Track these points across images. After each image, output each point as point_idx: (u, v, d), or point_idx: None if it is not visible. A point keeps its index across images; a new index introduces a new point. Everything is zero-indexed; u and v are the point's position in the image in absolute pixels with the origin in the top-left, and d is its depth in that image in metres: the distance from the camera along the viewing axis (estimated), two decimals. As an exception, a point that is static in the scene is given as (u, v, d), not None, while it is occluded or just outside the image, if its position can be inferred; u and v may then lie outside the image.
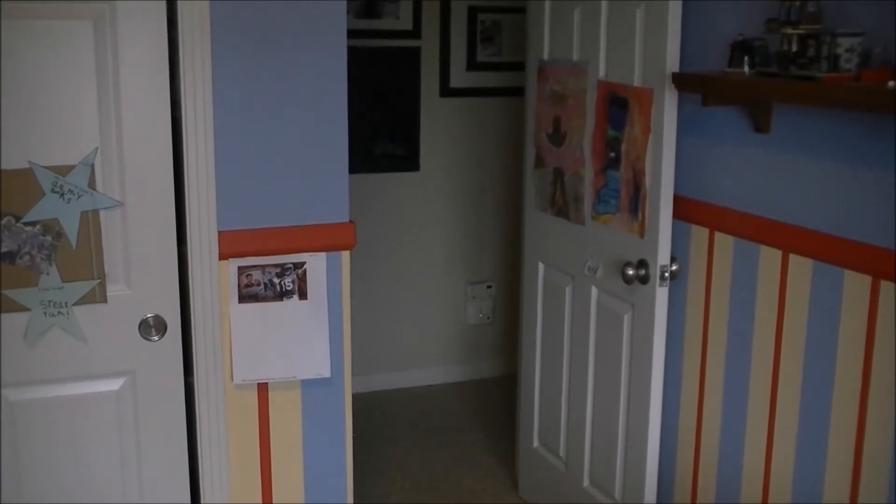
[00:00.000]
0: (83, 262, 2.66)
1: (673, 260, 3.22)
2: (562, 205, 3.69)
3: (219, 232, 2.81)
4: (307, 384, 3.01)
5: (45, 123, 2.58)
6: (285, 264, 2.89)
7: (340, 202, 2.94)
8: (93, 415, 2.78)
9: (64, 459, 2.78)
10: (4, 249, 2.59)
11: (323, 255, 2.92)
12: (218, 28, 2.70)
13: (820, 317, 2.74)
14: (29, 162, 2.57)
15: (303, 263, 2.90)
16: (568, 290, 3.73)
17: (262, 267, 2.87)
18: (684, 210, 3.19)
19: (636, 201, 3.23)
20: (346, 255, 2.96)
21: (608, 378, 3.51)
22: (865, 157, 2.56)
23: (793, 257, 2.81)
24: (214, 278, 2.82)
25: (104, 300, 2.71)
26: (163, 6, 2.64)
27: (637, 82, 3.19)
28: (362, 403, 5.20)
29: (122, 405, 2.81)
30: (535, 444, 4.09)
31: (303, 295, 2.91)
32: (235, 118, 2.78)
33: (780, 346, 2.88)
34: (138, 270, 2.73)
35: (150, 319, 2.77)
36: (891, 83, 2.26)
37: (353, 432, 3.14)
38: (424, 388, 5.58)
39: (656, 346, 3.25)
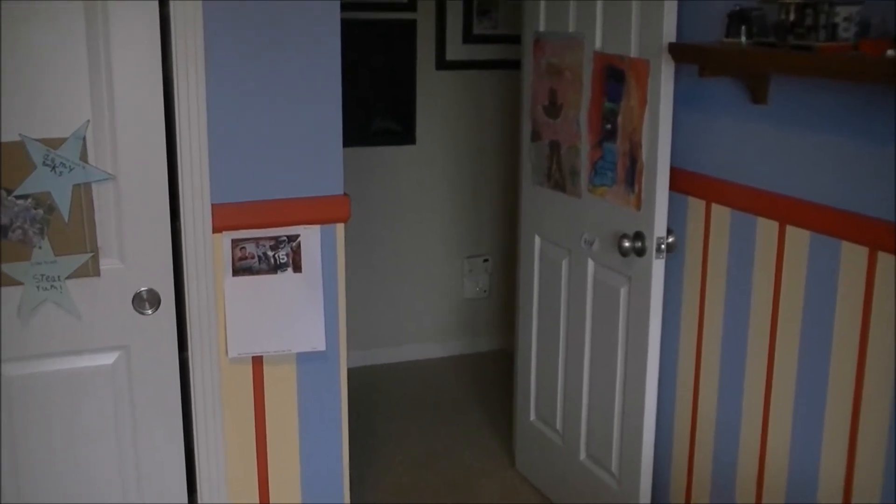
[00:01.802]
0: (76, 235, 2.64)
1: (669, 232, 3.20)
2: (558, 178, 3.67)
3: (212, 205, 2.79)
4: (302, 358, 3.00)
5: (36, 96, 2.55)
6: (279, 237, 2.87)
7: (335, 175, 2.92)
8: (87, 389, 2.78)
9: (58, 435, 2.77)
10: (-4, 223, 2.57)
11: (317, 227, 2.91)
12: (210, 1, 2.68)
13: (817, 288, 2.73)
14: (20, 135, 2.55)
15: (297, 236, 2.89)
16: (564, 263, 3.72)
17: (256, 240, 2.85)
18: (681, 182, 3.18)
19: (633, 174, 3.21)
20: (340, 227, 2.95)
21: (605, 351, 3.51)
22: (864, 128, 2.54)
23: (790, 229, 2.80)
24: (208, 251, 2.81)
25: (97, 274, 2.69)
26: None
27: (633, 54, 3.17)
28: (359, 378, 5.20)
29: (116, 379, 2.80)
30: (532, 418, 4.09)
31: (297, 268, 2.90)
32: (228, 90, 2.76)
33: (777, 318, 2.87)
34: (131, 244, 2.72)
35: (143, 293, 2.76)
36: (889, 52, 2.24)
37: (349, 406, 3.14)
38: (421, 362, 5.58)
39: (653, 318, 3.24)
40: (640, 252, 3.22)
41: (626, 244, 3.23)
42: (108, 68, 2.60)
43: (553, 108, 3.65)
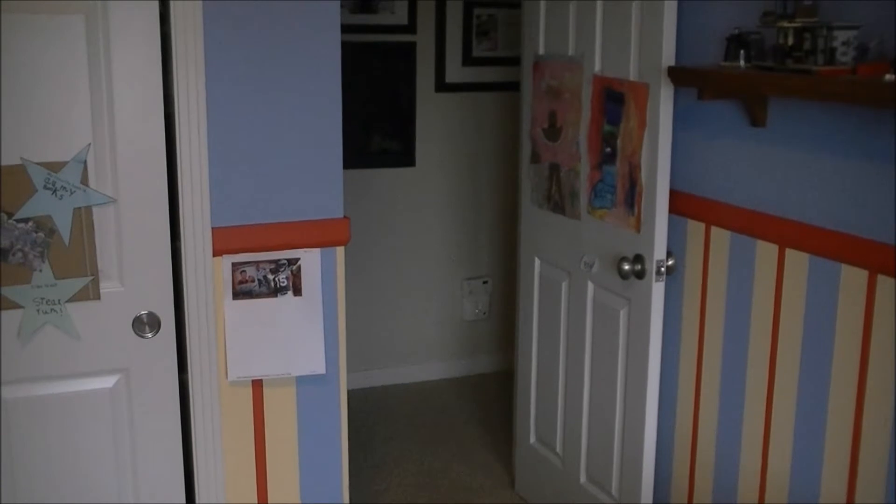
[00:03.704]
0: (76, 258, 2.65)
1: (669, 255, 3.21)
2: (558, 200, 3.68)
3: (212, 228, 2.80)
4: (302, 381, 3.00)
5: (38, 119, 2.56)
6: (279, 260, 2.88)
7: (335, 198, 2.93)
8: (87, 413, 2.77)
9: (58, 458, 2.77)
10: (-3, 246, 2.58)
11: (317, 251, 2.91)
12: (211, 23, 2.69)
13: (817, 311, 2.73)
14: (21, 158, 2.56)
15: (297, 259, 2.89)
16: (564, 285, 3.72)
17: (257, 263, 2.86)
18: (680, 204, 3.18)
19: (632, 196, 3.22)
20: (340, 250, 2.95)
21: (605, 373, 3.50)
22: (862, 151, 2.55)
23: (789, 252, 2.80)
24: (208, 275, 2.81)
25: (97, 297, 2.69)
26: (155, 2, 2.62)
27: (633, 77, 3.18)
28: (359, 400, 5.19)
29: (116, 403, 2.79)
30: (532, 440, 4.08)
31: (297, 291, 2.90)
32: (229, 114, 2.76)
33: (777, 341, 2.87)
34: (132, 267, 2.72)
35: (143, 316, 2.76)
36: (887, 76, 2.24)
37: (350, 429, 3.13)
38: (421, 383, 5.57)
39: (652, 341, 3.24)
40: (640, 274, 3.22)
41: (626, 266, 3.23)
42: (108, 92, 2.61)
43: (552, 131, 3.66)
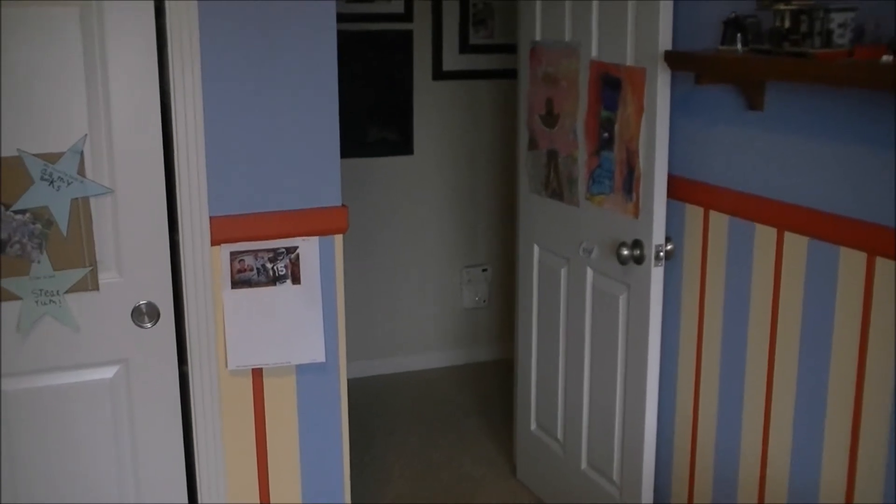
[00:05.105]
0: (74, 249, 2.64)
1: (668, 240, 3.20)
2: (556, 187, 3.67)
3: (210, 218, 2.79)
4: (302, 369, 3.00)
5: (34, 111, 2.56)
6: (278, 249, 2.87)
7: (332, 186, 2.92)
8: (86, 404, 2.77)
9: (58, 449, 2.77)
10: (-6, 238, 2.57)
11: (315, 239, 2.91)
12: (206, 13, 2.68)
13: (816, 294, 2.73)
14: (18, 150, 2.55)
15: (295, 248, 2.89)
16: (563, 272, 3.72)
17: (255, 252, 2.85)
18: (678, 189, 3.18)
19: (630, 182, 3.22)
20: (338, 239, 2.95)
21: (605, 359, 3.50)
22: (860, 133, 2.55)
23: (788, 235, 2.80)
24: (207, 264, 2.81)
25: (96, 288, 2.69)
26: (150, -2, 2.62)
27: (630, 62, 3.17)
28: (358, 389, 5.19)
29: (115, 393, 2.79)
30: (533, 427, 4.09)
31: (296, 280, 2.90)
32: (225, 103, 2.76)
33: (777, 324, 2.87)
34: (130, 257, 2.72)
35: (142, 307, 2.76)
36: (884, 58, 2.24)
37: (349, 417, 3.13)
38: (420, 372, 5.58)
39: (652, 326, 3.24)
40: (639, 260, 3.22)
41: (625, 252, 3.23)
42: (104, 82, 2.61)
43: (550, 117, 3.66)
